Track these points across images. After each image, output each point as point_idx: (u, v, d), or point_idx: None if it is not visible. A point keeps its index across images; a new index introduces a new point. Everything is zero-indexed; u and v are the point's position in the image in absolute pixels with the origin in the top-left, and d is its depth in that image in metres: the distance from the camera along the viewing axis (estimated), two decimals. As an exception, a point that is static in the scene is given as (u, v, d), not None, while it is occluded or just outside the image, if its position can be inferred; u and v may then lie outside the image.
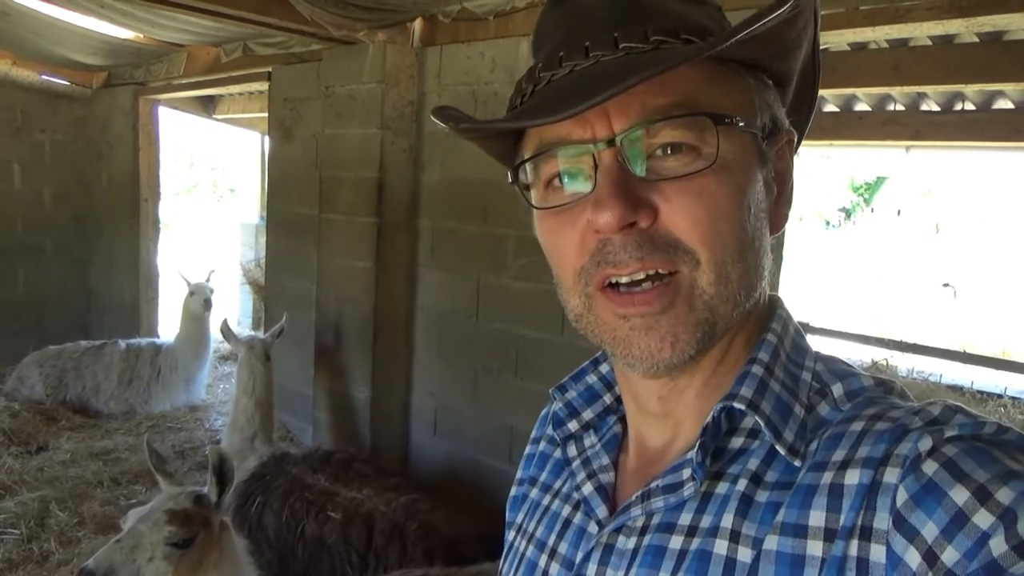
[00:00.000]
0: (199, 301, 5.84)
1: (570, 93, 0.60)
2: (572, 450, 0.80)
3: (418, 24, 4.23)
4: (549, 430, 0.85)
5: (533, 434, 0.93)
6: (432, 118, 0.73)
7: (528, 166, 0.68)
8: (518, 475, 0.92)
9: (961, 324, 11.41)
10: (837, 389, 0.66)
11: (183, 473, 4.63)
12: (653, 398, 0.72)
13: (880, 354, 5.10)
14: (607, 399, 0.81)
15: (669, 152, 0.62)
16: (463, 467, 4.30)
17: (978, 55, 3.73)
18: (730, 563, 0.60)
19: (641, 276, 0.62)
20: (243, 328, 8.31)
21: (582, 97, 0.57)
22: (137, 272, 6.90)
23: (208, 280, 6.06)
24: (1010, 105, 4.72)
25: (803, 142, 0.76)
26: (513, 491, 0.92)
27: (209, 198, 27.88)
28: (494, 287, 4.05)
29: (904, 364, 5.12)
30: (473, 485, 4.21)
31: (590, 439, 0.80)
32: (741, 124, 0.63)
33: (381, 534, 3.11)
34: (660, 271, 0.62)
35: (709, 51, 0.59)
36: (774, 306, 0.73)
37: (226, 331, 4.32)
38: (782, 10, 0.57)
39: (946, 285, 15.93)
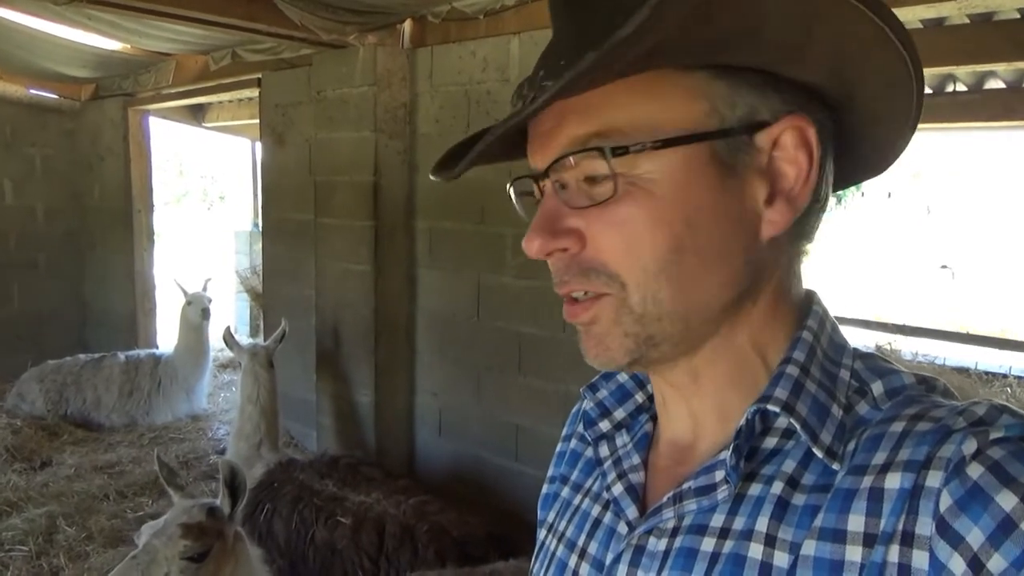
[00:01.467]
0: (197, 311, 5.82)
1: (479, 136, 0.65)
2: (604, 450, 0.79)
3: (408, 25, 4.23)
4: (580, 428, 0.85)
5: (564, 431, 0.93)
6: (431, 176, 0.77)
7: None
8: (549, 473, 0.92)
9: (959, 305, 11.45)
10: (877, 387, 0.65)
11: (189, 483, 4.62)
12: (668, 390, 0.73)
13: (883, 338, 5.11)
14: (639, 398, 0.81)
15: (594, 179, 0.63)
16: (469, 467, 4.30)
17: (969, 36, 3.72)
18: (766, 568, 0.59)
19: (579, 294, 0.66)
20: (241, 336, 8.29)
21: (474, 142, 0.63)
22: (133, 284, 6.88)
23: (205, 289, 6.04)
24: (1002, 85, 4.73)
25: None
26: (544, 489, 0.91)
27: (200, 206, 27.80)
28: (494, 286, 4.05)
29: (907, 347, 5.13)
30: (479, 484, 4.21)
31: (622, 439, 0.80)
32: (656, 143, 0.60)
33: (392, 537, 3.11)
34: (591, 290, 0.65)
35: (551, 99, 0.57)
36: (810, 301, 0.72)
37: (228, 339, 4.31)
38: (620, 34, 0.52)
39: (944, 267, 15.97)
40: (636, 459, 0.76)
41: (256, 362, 4.19)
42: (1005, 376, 4.75)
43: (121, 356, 5.96)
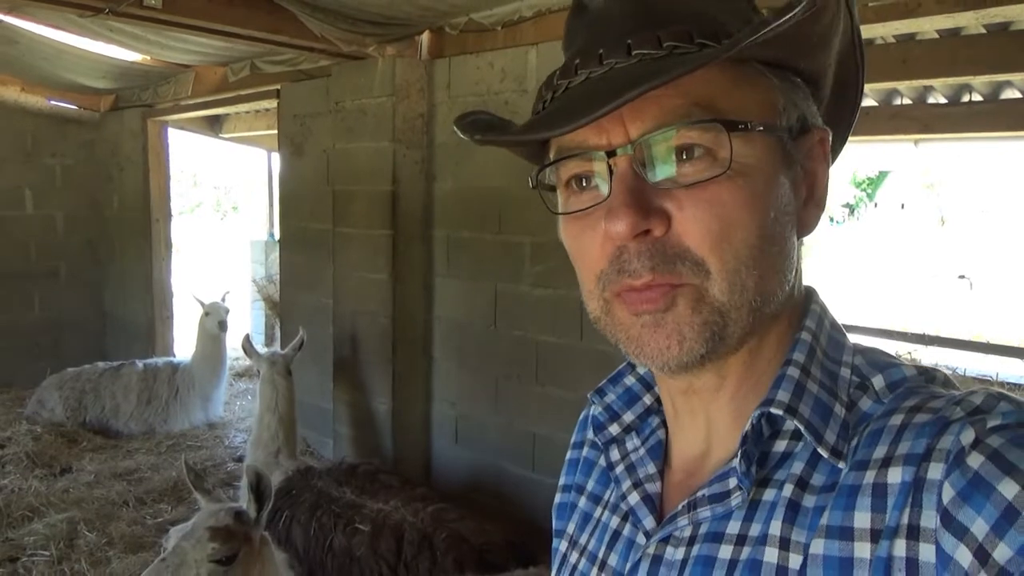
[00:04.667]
0: (215, 321, 5.87)
1: (581, 102, 0.60)
2: (615, 454, 0.79)
3: (426, 37, 4.27)
4: (590, 434, 0.84)
5: (573, 438, 0.92)
6: (454, 127, 0.74)
7: (549, 170, 0.69)
8: (561, 481, 0.91)
9: (978, 316, 11.37)
10: (878, 381, 0.65)
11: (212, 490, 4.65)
12: (684, 396, 0.72)
13: (903, 348, 5.10)
14: (647, 400, 0.80)
15: (684, 157, 0.62)
16: (485, 475, 4.31)
17: (985, 46, 3.75)
18: (782, 571, 0.59)
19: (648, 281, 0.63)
20: (256, 344, 8.32)
21: (591, 107, 0.57)
22: (151, 292, 6.94)
23: (223, 300, 6.09)
24: (1018, 94, 4.74)
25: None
26: (558, 498, 0.90)
27: (213, 216, 27.99)
28: (511, 295, 4.06)
29: (928, 357, 5.12)
30: (497, 493, 4.22)
31: (632, 442, 0.79)
32: (760, 128, 0.62)
33: (410, 545, 3.12)
34: (671, 283, 0.62)
35: (714, 59, 0.58)
36: (809, 300, 0.72)
37: (248, 348, 4.35)
38: (794, 12, 0.56)
39: (962, 277, 15.85)
40: (651, 468, 0.76)
41: (275, 371, 4.22)
42: (1027, 385, 4.73)
43: (139, 364, 6.02)
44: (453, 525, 3.21)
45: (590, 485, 0.85)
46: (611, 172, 0.63)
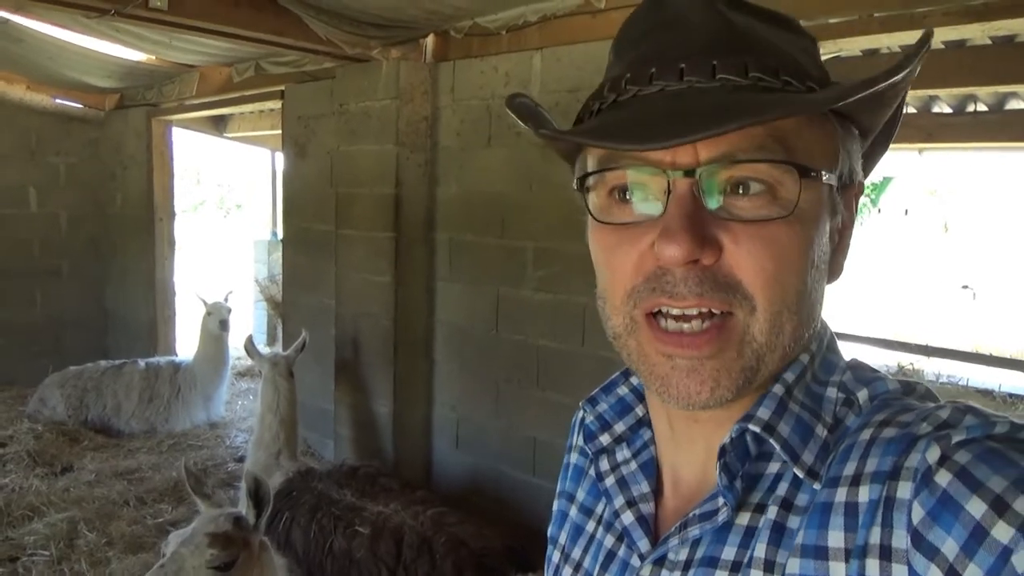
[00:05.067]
0: (216, 321, 5.88)
1: (661, 121, 0.59)
2: (604, 464, 0.78)
3: (430, 40, 4.27)
4: (580, 440, 0.84)
5: (567, 442, 0.92)
6: (507, 109, 0.71)
7: (594, 175, 0.66)
8: (558, 487, 0.91)
9: (980, 326, 11.33)
10: (862, 395, 0.65)
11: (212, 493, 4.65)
12: (685, 423, 0.71)
13: (905, 359, 5.08)
14: (639, 411, 0.79)
15: (740, 191, 0.61)
16: (485, 480, 4.31)
17: (991, 58, 3.75)
18: None
19: (694, 312, 0.61)
20: (257, 344, 8.32)
21: (676, 130, 0.56)
22: (153, 291, 6.94)
23: (226, 300, 6.10)
24: (1022, 105, 4.74)
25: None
26: (555, 505, 0.90)
27: (216, 215, 28.03)
28: (514, 299, 4.06)
29: (930, 368, 5.09)
30: (496, 497, 4.22)
31: (623, 453, 0.78)
32: (824, 176, 0.62)
33: (410, 548, 3.12)
34: (715, 311, 0.61)
35: (823, 108, 0.59)
36: None
37: (250, 348, 4.35)
38: (897, 78, 0.57)
39: (965, 287, 15.80)
40: (645, 487, 0.75)
41: (276, 371, 4.22)
42: (1030, 397, 4.70)
43: (141, 363, 6.02)
44: (452, 529, 3.21)
45: (580, 495, 0.85)
46: (668, 191, 0.61)
